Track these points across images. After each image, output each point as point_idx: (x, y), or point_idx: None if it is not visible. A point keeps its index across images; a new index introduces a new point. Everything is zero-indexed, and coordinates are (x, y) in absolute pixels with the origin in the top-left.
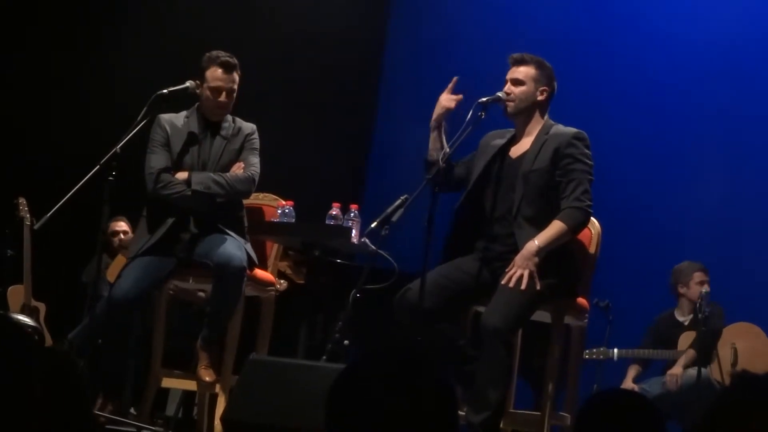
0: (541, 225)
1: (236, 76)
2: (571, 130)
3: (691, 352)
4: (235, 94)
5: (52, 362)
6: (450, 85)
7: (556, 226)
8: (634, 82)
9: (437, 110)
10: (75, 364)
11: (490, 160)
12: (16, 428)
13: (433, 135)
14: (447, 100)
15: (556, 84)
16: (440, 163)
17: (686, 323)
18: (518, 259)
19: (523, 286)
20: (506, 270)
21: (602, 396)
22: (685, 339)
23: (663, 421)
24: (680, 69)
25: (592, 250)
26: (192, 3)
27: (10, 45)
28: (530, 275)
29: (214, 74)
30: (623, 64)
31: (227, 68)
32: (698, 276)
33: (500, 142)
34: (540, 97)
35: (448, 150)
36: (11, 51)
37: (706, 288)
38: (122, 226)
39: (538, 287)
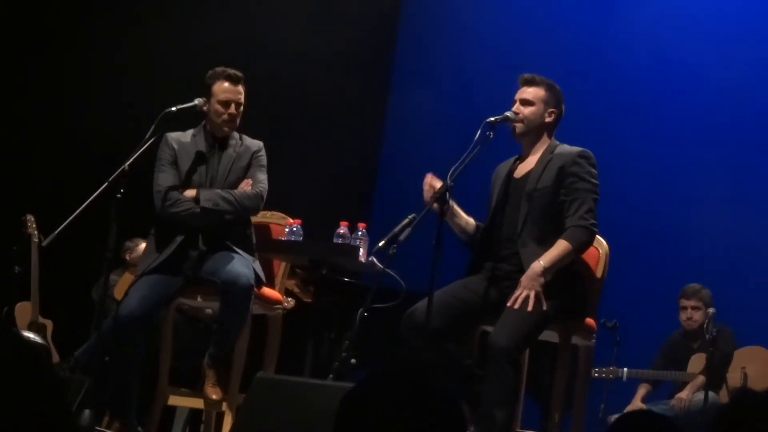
0: (545, 243)
1: (242, 89)
2: (576, 149)
3: (701, 379)
4: (242, 108)
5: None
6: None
7: (560, 246)
8: (642, 102)
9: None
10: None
11: (501, 186)
12: None
13: (448, 219)
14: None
15: (564, 107)
16: (448, 181)
17: (695, 346)
18: (524, 280)
19: (529, 308)
20: (516, 291)
21: (630, 418)
22: (696, 361)
23: None
24: (688, 90)
25: (599, 270)
26: (197, 23)
27: (20, 62)
28: (536, 296)
29: (221, 87)
30: (631, 84)
31: (233, 80)
32: (681, 303)
33: (507, 167)
34: (548, 119)
35: (473, 223)
36: (20, 68)
37: (689, 314)
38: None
39: (545, 307)
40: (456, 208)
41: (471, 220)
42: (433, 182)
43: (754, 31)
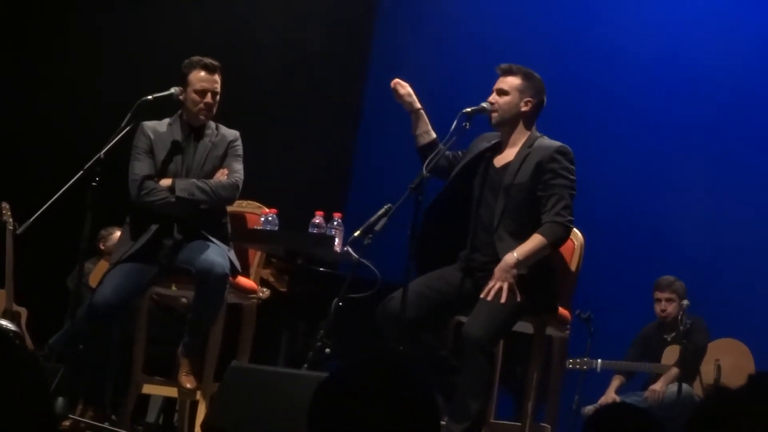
0: (521, 238)
1: (219, 78)
2: (555, 143)
3: (675, 371)
4: (218, 97)
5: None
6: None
7: (535, 240)
8: (619, 96)
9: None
10: (49, 368)
11: (469, 162)
12: None
13: (412, 118)
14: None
15: (545, 97)
16: (424, 172)
17: (669, 338)
18: (497, 271)
19: (502, 300)
20: (489, 282)
21: (608, 411)
22: (670, 353)
23: None
24: (666, 85)
25: (574, 261)
26: (176, 12)
27: None
28: (509, 288)
29: (198, 76)
30: (610, 76)
31: (210, 69)
32: (655, 295)
33: (485, 145)
34: (524, 108)
35: (432, 136)
36: None
37: (663, 306)
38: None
39: (519, 299)
40: (422, 113)
41: (432, 134)
42: (398, 86)
43: (735, 24)
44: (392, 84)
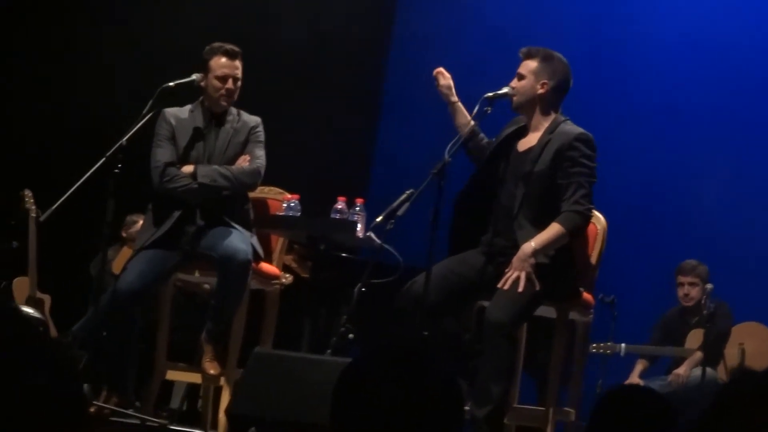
0: (541, 225)
1: (240, 64)
2: (576, 130)
3: (699, 355)
4: (240, 83)
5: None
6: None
7: (554, 229)
8: (642, 81)
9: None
10: (74, 354)
11: (496, 147)
12: (16, 421)
13: (450, 111)
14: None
15: (568, 78)
16: (446, 157)
17: (693, 322)
18: (515, 261)
19: (520, 289)
20: (505, 271)
21: (617, 392)
22: (694, 337)
23: (676, 417)
24: (688, 69)
25: (597, 245)
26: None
27: (17, 35)
28: (527, 277)
29: (219, 62)
30: (633, 62)
31: (231, 55)
32: (678, 279)
33: (513, 128)
34: (541, 90)
35: (473, 123)
36: (18, 42)
37: (686, 291)
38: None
39: (537, 287)
40: (459, 105)
41: (471, 123)
42: (439, 75)
43: (757, 14)
44: (434, 73)
